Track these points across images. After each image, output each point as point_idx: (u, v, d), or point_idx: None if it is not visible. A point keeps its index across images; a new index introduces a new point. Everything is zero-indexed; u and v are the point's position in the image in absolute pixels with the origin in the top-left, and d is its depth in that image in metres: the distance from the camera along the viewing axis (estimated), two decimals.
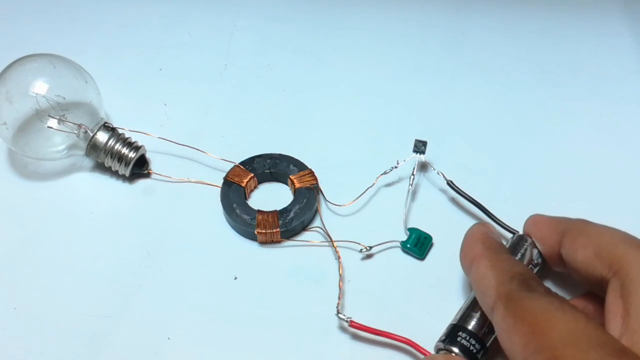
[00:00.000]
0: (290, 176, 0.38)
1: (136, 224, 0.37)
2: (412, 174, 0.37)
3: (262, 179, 0.39)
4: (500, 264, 0.28)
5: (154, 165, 0.40)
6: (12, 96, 0.37)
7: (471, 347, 0.29)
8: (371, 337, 0.31)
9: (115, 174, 0.39)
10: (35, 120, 0.37)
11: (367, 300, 0.33)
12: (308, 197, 0.37)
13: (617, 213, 0.33)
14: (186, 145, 0.39)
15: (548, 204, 0.36)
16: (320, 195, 0.37)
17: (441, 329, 0.30)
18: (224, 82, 0.45)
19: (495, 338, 0.29)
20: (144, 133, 0.39)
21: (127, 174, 0.38)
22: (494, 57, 0.47)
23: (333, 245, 0.35)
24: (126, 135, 0.39)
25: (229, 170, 0.38)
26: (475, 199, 0.35)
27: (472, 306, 0.30)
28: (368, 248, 0.35)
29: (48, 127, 0.37)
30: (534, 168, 0.40)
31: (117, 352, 0.32)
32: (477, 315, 0.29)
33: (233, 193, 0.37)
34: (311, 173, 0.38)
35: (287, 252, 0.36)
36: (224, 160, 0.38)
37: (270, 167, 0.38)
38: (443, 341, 0.29)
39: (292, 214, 0.36)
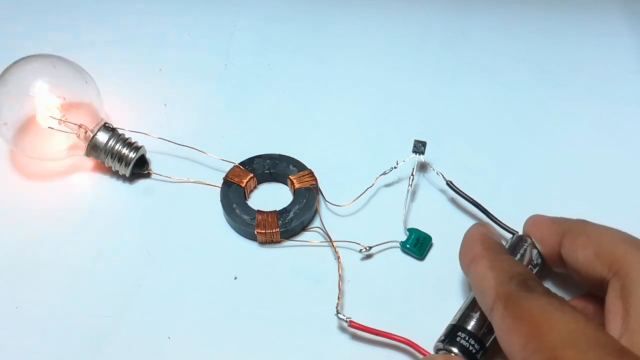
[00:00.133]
0: (290, 176, 0.38)
1: (136, 224, 0.37)
2: (412, 175, 0.37)
3: (261, 179, 0.39)
4: (499, 264, 0.28)
5: (154, 166, 0.40)
6: (12, 96, 0.37)
7: (470, 348, 0.29)
8: (371, 337, 0.31)
9: (115, 174, 0.39)
10: (36, 121, 0.38)
11: (366, 300, 0.33)
12: (308, 198, 0.37)
13: (617, 213, 0.33)
14: (186, 146, 0.39)
15: (548, 204, 0.37)
16: (320, 196, 0.37)
17: (441, 329, 0.30)
18: (224, 83, 0.45)
19: (495, 338, 0.29)
20: (144, 133, 0.39)
21: (127, 174, 0.38)
22: (493, 57, 0.47)
23: (333, 246, 0.35)
24: (126, 136, 0.39)
25: (229, 171, 0.38)
26: (475, 199, 0.35)
27: (472, 306, 0.30)
28: (367, 248, 0.35)
29: (48, 127, 0.38)
30: (534, 168, 0.40)
31: (117, 351, 0.32)
32: (476, 315, 0.29)
33: (233, 193, 0.37)
34: (311, 173, 0.38)
35: (286, 252, 0.36)
36: (224, 160, 0.38)
37: (270, 167, 0.38)
38: (442, 341, 0.29)
39: (291, 214, 0.36)
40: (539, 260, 0.31)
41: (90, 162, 0.40)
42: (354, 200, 0.37)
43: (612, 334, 0.25)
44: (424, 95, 0.44)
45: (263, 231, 0.35)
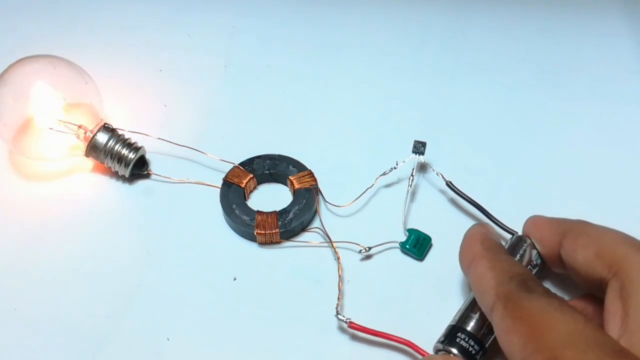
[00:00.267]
0: (290, 177, 0.38)
1: (136, 224, 0.37)
2: (412, 175, 0.37)
3: (261, 179, 0.39)
4: (499, 265, 0.28)
5: (154, 166, 0.40)
6: (12, 97, 0.37)
7: (470, 348, 0.29)
8: (370, 338, 0.31)
9: (115, 174, 0.39)
10: (35, 121, 0.38)
11: (366, 301, 0.33)
12: (307, 198, 0.37)
13: (616, 213, 0.33)
14: (186, 146, 0.39)
15: (548, 204, 0.37)
16: (320, 196, 0.37)
17: (440, 330, 0.30)
18: (223, 83, 0.45)
19: (494, 339, 0.29)
20: (144, 134, 0.39)
21: (127, 174, 0.38)
22: (493, 58, 0.47)
23: (332, 246, 0.35)
24: (126, 136, 0.39)
25: (229, 171, 0.38)
26: (475, 199, 0.35)
27: (471, 307, 0.30)
28: (367, 249, 0.35)
29: (48, 128, 0.38)
30: (534, 168, 0.40)
31: (117, 352, 0.32)
32: (476, 316, 0.29)
33: (232, 194, 0.37)
34: (310, 174, 0.38)
35: (286, 253, 0.36)
36: (224, 161, 0.38)
37: (270, 167, 0.38)
38: (442, 342, 0.29)
39: (291, 215, 0.36)
40: (539, 261, 0.31)
41: (90, 162, 0.40)
42: (354, 201, 0.37)
43: (611, 335, 0.25)
44: (423, 96, 0.44)
45: (263, 232, 0.35)
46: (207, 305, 0.34)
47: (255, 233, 0.35)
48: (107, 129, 0.38)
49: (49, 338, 0.32)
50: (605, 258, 0.27)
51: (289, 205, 0.37)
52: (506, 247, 0.32)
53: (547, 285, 0.33)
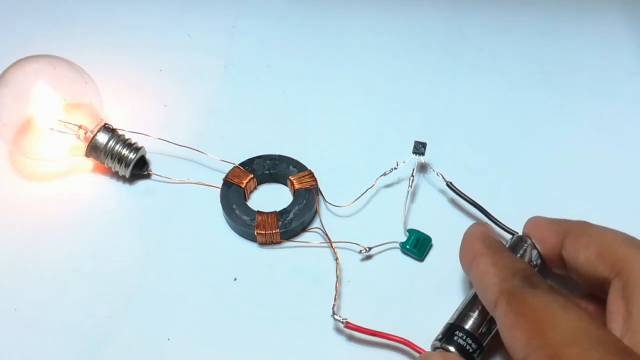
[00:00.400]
0: (290, 177, 0.38)
1: (136, 225, 0.37)
2: (412, 175, 0.37)
3: (261, 180, 0.39)
4: (501, 261, 0.28)
5: (154, 167, 0.40)
6: (12, 97, 0.37)
7: (467, 347, 0.29)
8: (369, 338, 0.31)
9: (115, 175, 0.39)
10: (36, 122, 0.38)
11: (366, 301, 0.33)
12: (307, 198, 0.37)
13: (616, 213, 0.34)
14: (186, 147, 0.39)
15: (548, 205, 0.37)
16: (320, 196, 0.37)
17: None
18: (223, 83, 0.45)
19: (492, 338, 0.29)
20: (144, 134, 0.39)
21: (127, 175, 0.38)
22: (493, 58, 0.47)
23: (332, 247, 0.35)
24: (126, 137, 0.39)
25: (229, 171, 0.38)
26: (475, 200, 0.35)
27: (470, 306, 0.30)
28: (367, 249, 0.35)
29: (48, 128, 0.38)
30: (534, 169, 0.40)
31: (117, 352, 0.32)
32: (474, 315, 0.29)
33: (233, 194, 0.37)
34: (311, 174, 0.38)
35: (286, 253, 0.36)
36: (224, 161, 0.38)
37: (270, 168, 0.38)
38: (440, 340, 0.29)
39: (291, 215, 0.36)
40: (539, 261, 0.31)
41: (90, 162, 0.40)
42: (354, 201, 0.37)
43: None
44: (424, 96, 0.44)
45: (263, 232, 0.35)
46: (207, 305, 0.34)
47: (255, 233, 0.35)
48: (107, 129, 0.38)
49: (49, 338, 0.32)
50: (607, 258, 0.27)
51: (289, 206, 0.37)
52: (507, 246, 0.32)
53: None
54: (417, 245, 0.35)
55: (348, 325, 0.31)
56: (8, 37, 0.48)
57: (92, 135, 0.38)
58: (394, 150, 0.38)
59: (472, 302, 0.30)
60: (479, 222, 0.34)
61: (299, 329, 0.33)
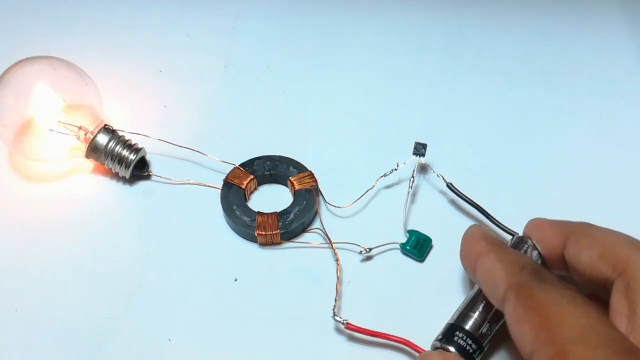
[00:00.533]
0: (290, 178, 0.38)
1: (136, 225, 0.37)
2: (412, 176, 0.37)
3: (262, 180, 0.39)
4: (507, 256, 0.28)
5: (154, 167, 0.40)
6: (12, 98, 0.37)
7: (468, 347, 0.29)
8: (369, 338, 0.31)
9: (115, 176, 0.39)
10: (36, 123, 0.38)
11: (366, 301, 0.33)
12: (308, 199, 0.37)
13: (617, 214, 0.33)
14: (186, 147, 0.39)
15: (548, 205, 0.37)
16: (320, 197, 0.37)
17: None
18: (223, 84, 0.45)
19: (492, 338, 0.30)
20: (144, 135, 0.39)
21: (128, 176, 0.38)
22: (494, 58, 0.47)
23: (332, 247, 0.35)
24: (126, 138, 0.39)
25: (229, 172, 0.38)
26: (475, 201, 0.35)
27: (470, 306, 0.30)
28: (368, 250, 0.35)
29: (48, 129, 0.38)
30: (534, 169, 0.40)
31: (117, 353, 0.32)
32: (474, 315, 0.29)
33: (233, 195, 0.37)
34: (311, 175, 0.38)
35: (287, 254, 0.36)
36: (224, 162, 0.38)
37: (270, 168, 0.38)
38: (440, 340, 0.29)
39: (292, 216, 0.36)
40: (539, 262, 0.31)
41: (90, 163, 0.40)
42: (354, 202, 0.37)
43: None
44: (424, 97, 0.44)
45: (263, 232, 0.35)
46: (208, 306, 0.34)
47: (255, 234, 0.35)
48: (107, 130, 0.38)
49: (49, 338, 0.32)
50: (610, 259, 0.27)
51: (289, 206, 0.37)
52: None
53: None
54: (418, 246, 0.35)
55: (348, 326, 0.31)
56: (8, 37, 0.48)
57: (92, 137, 0.38)
58: (394, 151, 0.38)
59: (473, 303, 0.30)
60: (476, 224, 0.34)
61: (299, 329, 0.33)
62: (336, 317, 0.31)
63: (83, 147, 0.38)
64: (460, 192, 0.36)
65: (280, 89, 0.45)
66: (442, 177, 0.37)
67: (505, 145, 0.41)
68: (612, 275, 0.27)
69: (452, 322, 0.30)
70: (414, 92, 0.45)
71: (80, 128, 0.38)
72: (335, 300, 0.32)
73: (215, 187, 0.38)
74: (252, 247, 0.36)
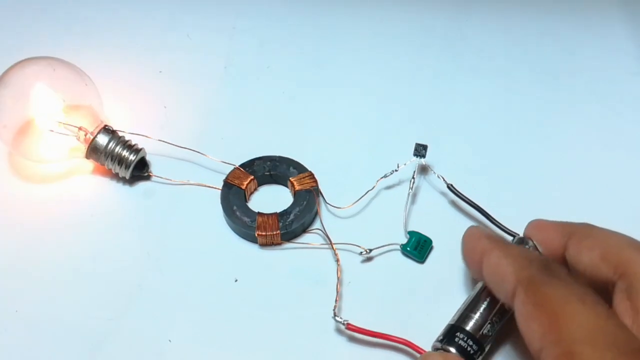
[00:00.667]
0: (290, 178, 0.38)
1: (137, 226, 0.37)
2: (413, 177, 0.37)
3: (262, 181, 0.39)
4: (514, 252, 0.28)
5: (154, 168, 0.40)
6: (12, 99, 0.37)
7: (468, 348, 0.29)
8: (370, 339, 0.31)
9: (115, 176, 0.39)
10: (35, 123, 0.38)
11: (367, 302, 0.33)
12: (308, 200, 0.37)
13: (617, 214, 0.34)
14: (186, 148, 0.39)
15: (548, 206, 0.37)
16: (320, 198, 0.37)
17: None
18: (223, 84, 0.45)
19: (493, 339, 0.30)
20: (144, 135, 0.39)
21: (128, 176, 0.38)
22: (494, 59, 0.47)
23: (332, 248, 0.35)
24: (126, 138, 0.39)
25: (229, 173, 0.38)
26: (476, 202, 0.35)
27: (471, 307, 0.30)
28: (368, 251, 0.35)
29: (48, 130, 0.38)
30: (535, 170, 0.40)
31: (118, 353, 0.32)
32: (475, 316, 0.29)
33: (233, 195, 0.37)
34: (311, 175, 0.38)
35: (287, 254, 0.36)
36: (224, 162, 0.38)
37: (270, 169, 0.38)
38: (441, 341, 0.29)
39: (292, 216, 0.36)
40: None
41: (90, 164, 0.40)
42: (355, 203, 0.37)
43: None
44: (424, 98, 0.44)
45: (263, 233, 0.35)
46: (208, 306, 0.34)
47: (256, 234, 0.35)
48: (107, 130, 0.38)
49: (49, 339, 0.32)
50: (611, 260, 0.27)
51: (289, 207, 0.37)
52: None
53: None
54: (418, 247, 0.35)
55: (349, 327, 0.31)
56: (8, 37, 0.48)
57: (92, 137, 0.38)
58: (394, 151, 0.38)
59: (474, 304, 0.30)
60: (475, 225, 0.34)
61: (299, 330, 0.33)
62: (336, 318, 0.31)
63: (83, 148, 0.38)
64: (461, 193, 0.36)
65: (280, 89, 0.45)
66: (443, 178, 0.37)
67: (505, 146, 0.41)
68: (614, 277, 0.27)
69: (452, 322, 0.30)
70: (414, 92, 0.44)
71: (80, 129, 0.38)
72: (336, 300, 0.32)
73: (216, 188, 0.38)
74: (252, 248, 0.36)
